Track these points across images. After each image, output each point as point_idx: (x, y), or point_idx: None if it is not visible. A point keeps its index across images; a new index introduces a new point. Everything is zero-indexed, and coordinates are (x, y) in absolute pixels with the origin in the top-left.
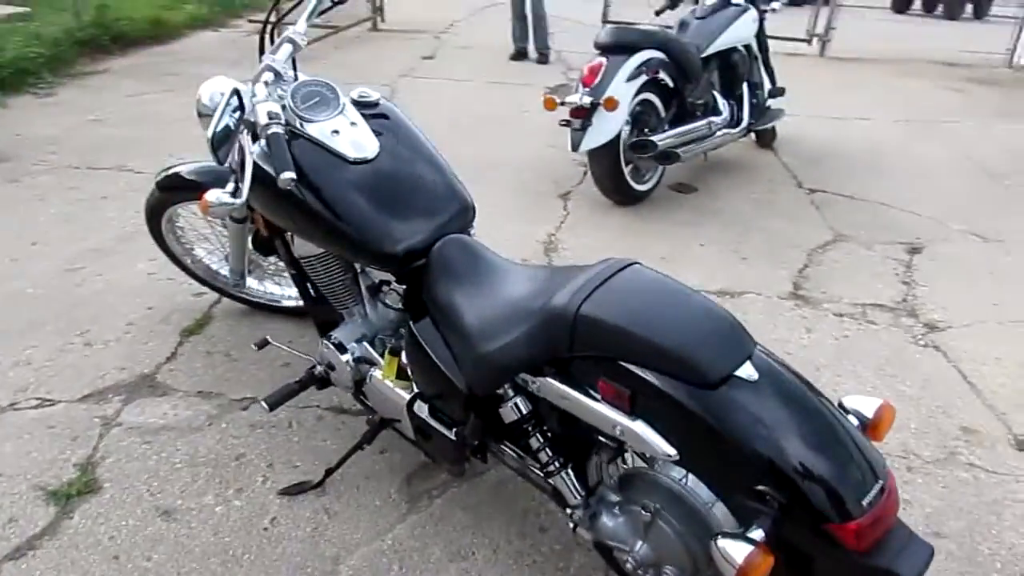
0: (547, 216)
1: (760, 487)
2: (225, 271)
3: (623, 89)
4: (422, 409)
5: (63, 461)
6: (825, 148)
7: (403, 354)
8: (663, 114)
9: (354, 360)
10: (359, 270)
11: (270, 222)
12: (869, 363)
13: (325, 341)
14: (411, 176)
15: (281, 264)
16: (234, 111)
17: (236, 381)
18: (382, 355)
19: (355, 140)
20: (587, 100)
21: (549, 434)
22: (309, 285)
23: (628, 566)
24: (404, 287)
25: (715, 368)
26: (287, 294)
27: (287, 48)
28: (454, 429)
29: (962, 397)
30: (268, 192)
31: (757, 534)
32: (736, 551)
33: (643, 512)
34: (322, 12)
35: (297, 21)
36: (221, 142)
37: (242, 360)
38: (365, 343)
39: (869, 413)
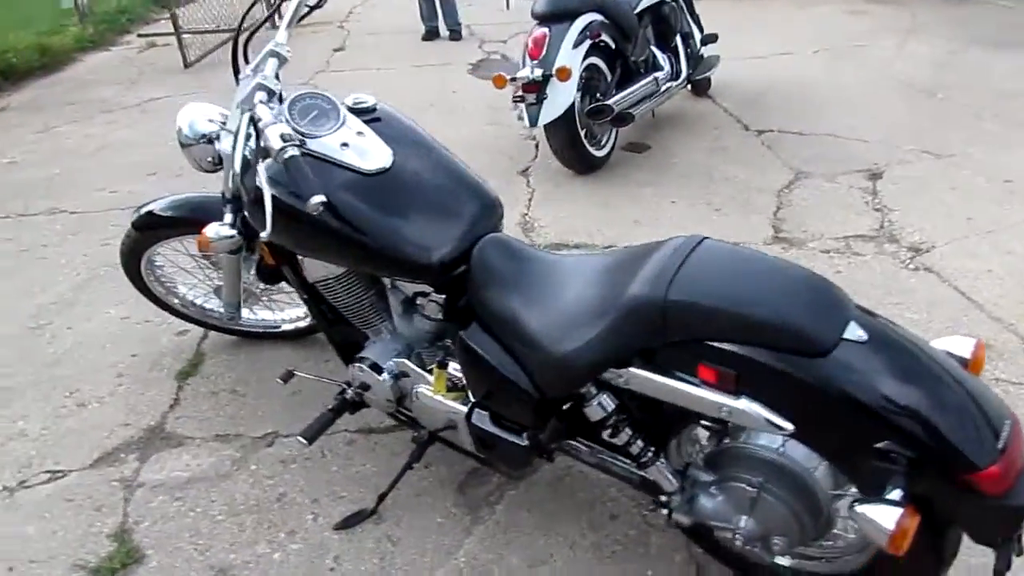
0: (514, 195)
1: (882, 446)
2: (214, 306)
3: (571, 57)
4: (483, 419)
5: (95, 535)
6: (757, 88)
7: (449, 366)
8: (609, 77)
9: (392, 378)
10: (389, 285)
11: (277, 249)
12: (871, 295)
13: (358, 364)
14: (432, 180)
15: (273, 288)
16: (217, 138)
17: (251, 418)
18: (425, 368)
19: (367, 151)
20: (538, 73)
21: (634, 425)
22: (326, 308)
23: (737, 542)
24: (444, 296)
25: (825, 335)
26: (285, 318)
27: (273, 62)
28: (524, 434)
29: (967, 314)
30: (283, 219)
31: (896, 495)
32: (885, 516)
33: (747, 488)
34: (301, 18)
35: (278, 31)
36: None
37: (249, 395)
38: (403, 358)
39: (967, 354)
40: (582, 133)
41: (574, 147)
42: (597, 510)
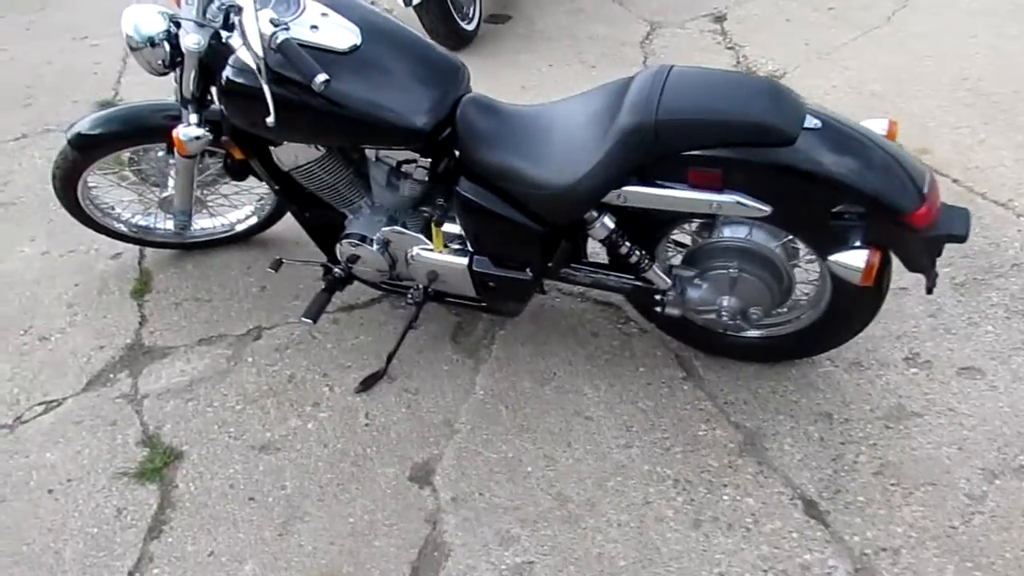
0: None
1: (838, 209)
2: (158, 223)
3: None
4: (485, 264)
5: (121, 446)
6: None
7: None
8: None
9: (382, 247)
10: (373, 158)
11: (246, 142)
12: None
13: (347, 240)
14: (402, 51)
15: (214, 193)
16: (167, 38)
17: (227, 319)
18: (418, 231)
19: (335, 31)
20: None
21: (630, 238)
22: (300, 196)
23: (723, 317)
24: (429, 160)
25: (791, 126)
26: (237, 218)
27: None
28: (527, 269)
29: None
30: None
31: (858, 242)
32: (855, 258)
33: (727, 272)
34: None
35: None
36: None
37: (214, 299)
38: (392, 227)
39: (883, 130)
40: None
41: (446, 21)
42: (579, 332)
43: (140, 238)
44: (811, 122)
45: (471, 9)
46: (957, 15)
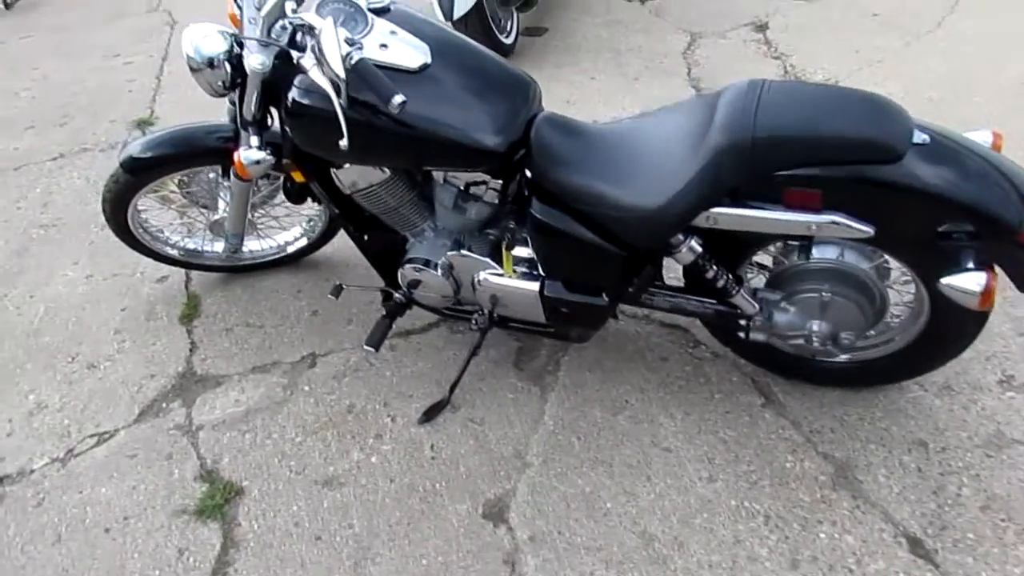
0: None
1: (944, 228)
2: (207, 246)
3: None
4: (557, 289)
5: (179, 480)
6: None
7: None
8: None
9: (446, 271)
10: (441, 180)
11: (307, 165)
12: None
13: (409, 264)
14: (473, 69)
15: (266, 215)
16: (227, 59)
17: (280, 345)
18: (486, 255)
19: (405, 49)
20: None
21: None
22: (360, 219)
23: (814, 343)
24: (500, 182)
25: (899, 142)
26: (287, 240)
27: None
28: (603, 294)
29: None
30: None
31: (971, 264)
32: (971, 281)
33: (818, 295)
34: None
35: None
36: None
37: (266, 325)
38: (457, 251)
39: (988, 142)
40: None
41: (487, 35)
42: (647, 357)
43: (190, 261)
44: (919, 137)
45: (509, 22)
46: (1009, 16)
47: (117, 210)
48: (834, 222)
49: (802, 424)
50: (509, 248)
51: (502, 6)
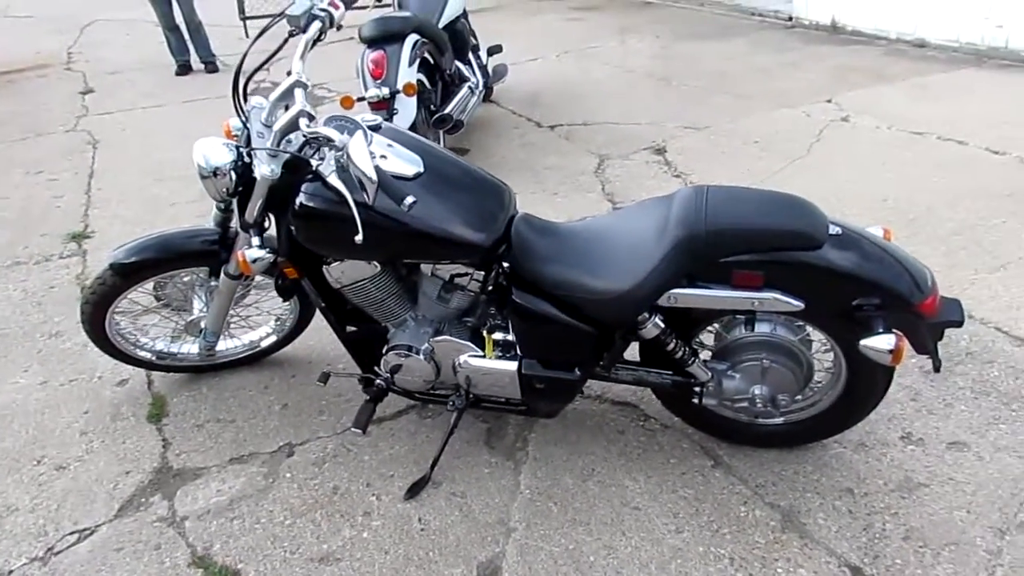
0: None
1: (857, 301)
2: (181, 348)
3: (411, 74)
4: (534, 367)
5: (171, 569)
6: (529, 90)
7: (493, 331)
8: (432, 90)
9: (428, 357)
10: (429, 273)
11: (301, 262)
12: None
13: (393, 351)
14: (458, 177)
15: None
16: (233, 168)
17: (255, 437)
18: (467, 339)
19: (401, 160)
20: (386, 91)
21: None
22: (343, 313)
23: (757, 405)
24: (483, 273)
25: (821, 232)
26: (259, 336)
27: (300, 92)
28: (576, 370)
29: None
30: (344, 226)
31: (881, 328)
32: (884, 342)
33: (761, 363)
34: (313, 45)
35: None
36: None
37: (237, 418)
38: (440, 337)
39: (880, 234)
40: None
41: None
42: (606, 431)
43: (162, 364)
44: (833, 229)
45: (438, 142)
46: (864, 146)
47: (97, 313)
48: (773, 298)
49: (748, 480)
50: (490, 332)
51: (433, 128)
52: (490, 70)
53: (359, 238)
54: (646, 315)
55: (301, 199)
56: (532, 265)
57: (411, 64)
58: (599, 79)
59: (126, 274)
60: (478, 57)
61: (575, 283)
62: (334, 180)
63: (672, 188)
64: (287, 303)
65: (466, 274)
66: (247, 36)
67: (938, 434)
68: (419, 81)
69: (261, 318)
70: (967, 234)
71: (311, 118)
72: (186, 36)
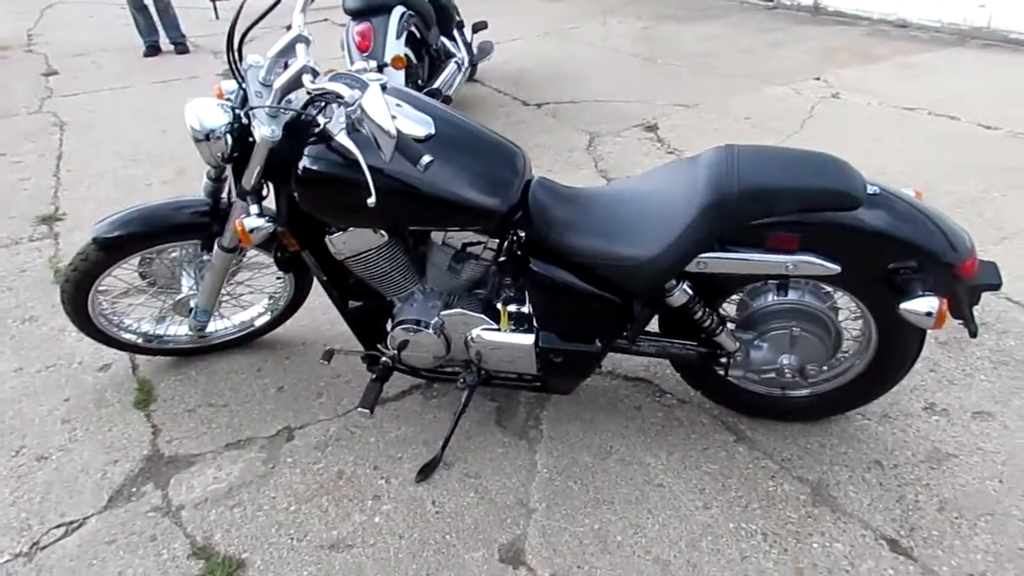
0: None
1: (893, 265)
2: (169, 330)
3: (399, 47)
4: (551, 340)
5: (170, 561)
6: (513, 70)
7: (510, 304)
8: (418, 65)
9: (438, 331)
10: (440, 242)
11: (303, 232)
12: None
13: (401, 326)
14: (471, 140)
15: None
16: (229, 131)
17: (251, 422)
18: (478, 312)
19: (411, 121)
20: (373, 64)
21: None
22: (346, 287)
23: (786, 375)
24: (497, 240)
25: (860, 191)
26: (253, 315)
27: (303, 47)
28: (596, 341)
29: None
30: (350, 191)
31: (921, 290)
32: (925, 305)
33: (790, 331)
34: None
35: (293, 18)
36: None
37: (230, 403)
38: (454, 310)
39: (914, 195)
40: None
41: None
42: (621, 408)
43: (151, 347)
44: (871, 188)
45: None
46: (857, 122)
47: (79, 292)
48: (808, 261)
49: (773, 454)
50: (505, 304)
51: None
52: (475, 47)
53: (372, 200)
54: (674, 282)
55: (305, 163)
56: (552, 232)
57: (398, 37)
58: (583, 59)
59: (111, 248)
60: (463, 33)
61: (598, 250)
62: (343, 139)
63: (652, 164)
64: (280, 280)
65: (479, 243)
66: (217, 17)
67: (962, 404)
68: (406, 55)
69: (252, 297)
70: (968, 207)
71: (316, 74)
72: (154, 16)
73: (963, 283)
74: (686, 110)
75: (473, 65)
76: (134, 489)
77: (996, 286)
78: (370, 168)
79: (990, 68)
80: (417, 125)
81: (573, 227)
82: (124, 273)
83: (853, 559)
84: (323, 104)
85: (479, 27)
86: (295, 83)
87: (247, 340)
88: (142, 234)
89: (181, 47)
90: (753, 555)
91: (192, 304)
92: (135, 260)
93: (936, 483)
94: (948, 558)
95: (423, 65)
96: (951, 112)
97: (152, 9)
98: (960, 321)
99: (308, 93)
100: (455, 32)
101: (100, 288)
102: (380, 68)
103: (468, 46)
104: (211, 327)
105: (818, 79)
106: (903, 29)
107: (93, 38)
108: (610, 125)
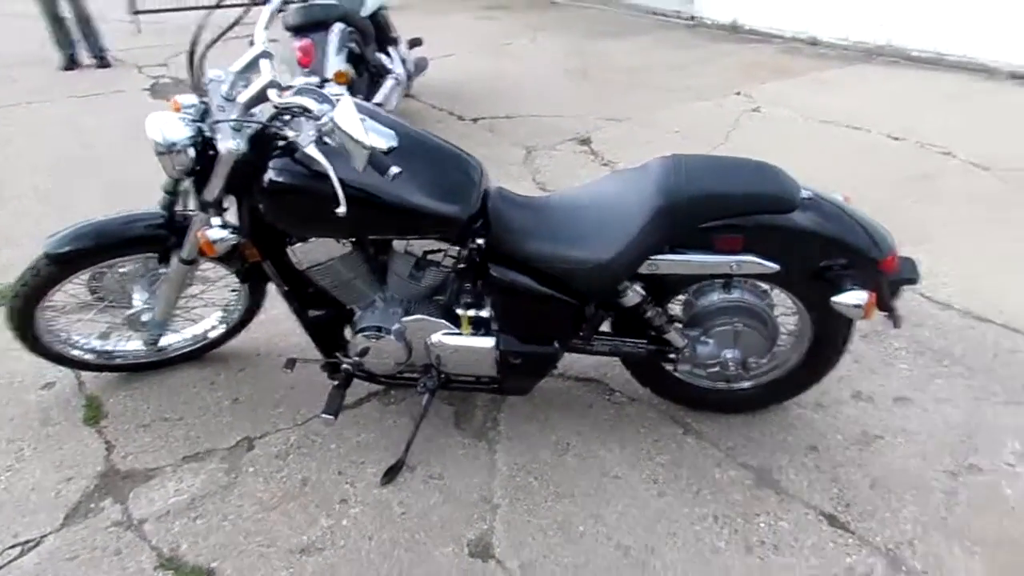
0: None
1: (825, 263)
2: (119, 346)
3: (340, 62)
4: (510, 343)
5: (137, 574)
6: (447, 86)
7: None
8: (360, 80)
9: (399, 338)
10: (402, 250)
11: (264, 244)
12: None
13: (362, 334)
14: (433, 150)
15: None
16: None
17: (208, 434)
18: (439, 318)
19: (376, 132)
20: (316, 80)
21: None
22: (306, 297)
23: (730, 368)
24: (457, 248)
25: (795, 195)
26: (207, 327)
27: (266, 62)
28: (554, 342)
29: None
30: (323, 202)
31: (851, 285)
32: (855, 298)
33: (733, 327)
34: (280, 11)
35: (255, 34)
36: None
37: (185, 416)
38: (414, 316)
39: (841, 198)
40: None
41: None
42: (574, 407)
43: (103, 363)
44: (804, 192)
45: None
46: (778, 134)
47: (27, 308)
48: (750, 261)
49: (719, 444)
50: (466, 309)
51: None
52: (411, 63)
53: (342, 210)
54: (627, 283)
55: (271, 175)
56: (510, 239)
57: (339, 52)
58: (516, 75)
59: (63, 263)
60: (398, 50)
61: (556, 255)
62: (313, 151)
63: (604, 174)
64: (234, 293)
65: (440, 250)
66: (139, 31)
67: (884, 391)
68: (347, 71)
69: (205, 310)
70: (886, 213)
71: (282, 88)
72: (72, 29)
73: (886, 277)
74: (617, 124)
75: (410, 80)
76: (91, 505)
77: (914, 280)
78: (340, 179)
79: (894, 83)
80: (381, 138)
81: (531, 234)
82: (73, 289)
83: (797, 535)
84: (288, 118)
85: (414, 43)
86: (260, 97)
87: (202, 352)
88: (96, 248)
89: (103, 61)
90: (707, 536)
91: (145, 318)
92: (85, 276)
93: (866, 463)
94: (881, 529)
95: (363, 81)
96: (863, 125)
97: (71, 21)
98: (885, 313)
99: (275, 107)
100: (391, 48)
101: (48, 304)
102: (322, 84)
103: (404, 62)
104: (165, 341)
105: (739, 94)
106: (814, 47)
107: (4, 51)
108: (545, 139)
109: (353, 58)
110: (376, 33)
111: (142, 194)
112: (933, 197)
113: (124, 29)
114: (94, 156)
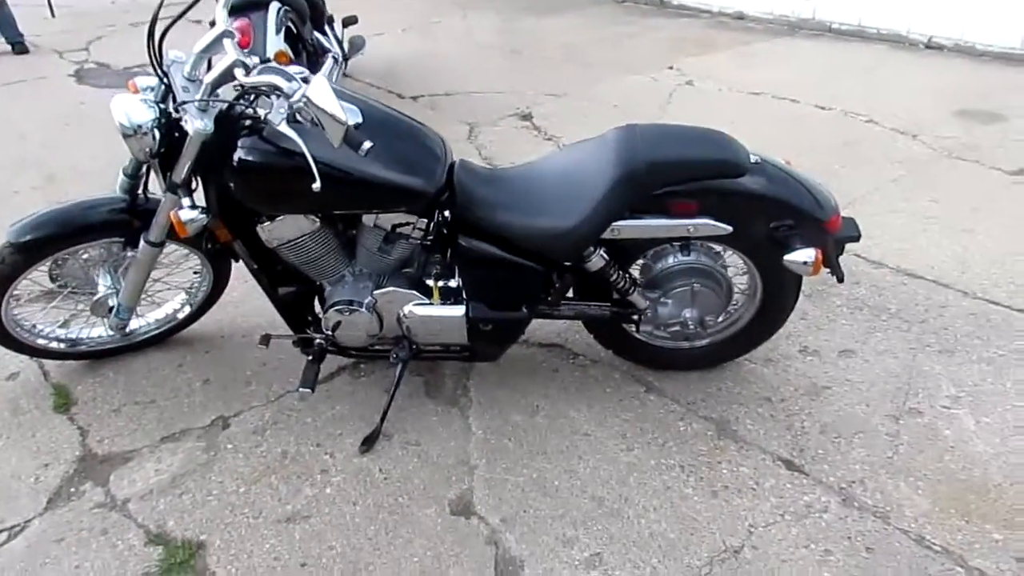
0: None
1: (774, 224)
2: (83, 333)
3: (278, 42)
4: (480, 310)
5: (127, 551)
6: (382, 64)
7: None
8: (299, 60)
9: (371, 310)
10: (371, 224)
11: (234, 222)
12: None
13: (335, 308)
14: (398, 126)
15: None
16: (158, 126)
17: (183, 414)
18: (409, 289)
19: (342, 107)
20: (256, 60)
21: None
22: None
23: (689, 327)
24: (425, 220)
25: (745, 160)
26: (173, 308)
27: (229, 42)
28: (523, 308)
29: None
30: (297, 176)
31: (800, 243)
32: (805, 255)
33: (691, 288)
34: None
35: (216, 13)
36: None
37: (157, 398)
38: (386, 288)
39: (783, 162)
40: None
41: None
42: (540, 372)
43: (69, 351)
44: (753, 158)
45: None
46: (711, 106)
47: None
48: (706, 223)
49: (680, 399)
50: (436, 280)
51: None
52: (346, 42)
53: (316, 185)
54: (592, 249)
55: (240, 154)
56: (477, 210)
57: (278, 32)
58: (450, 52)
59: (27, 251)
60: (333, 28)
61: (524, 224)
62: (285, 128)
63: (546, 150)
64: (196, 275)
65: (409, 223)
66: (53, 15)
67: (829, 345)
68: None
69: (167, 293)
70: (819, 179)
71: (248, 68)
72: None
73: (831, 236)
74: (556, 99)
75: (346, 60)
76: (72, 489)
77: (856, 238)
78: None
79: (819, 55)
80: (346, 114)
81: (498, 204)
82: (35, 277)
83: (757, 479)
84: (253, 97)
85: (348, 21)
86: (227, 77)
87: (169, 335)
88: (60, 235)
89: (20, 47)
90: (675, 484)
91: (111, 303)
92: (47, 264)
93: (816, 411)
94: (833, 470)
95: (301, 61)
96: (792, 95)
97: None
98: (829, 270)
99: (241, 86)
100: (326, 27)
101: (13, 294)
102: (263, 64)
103: (340, 41)
104: (132, 325)
105: (671, 68)
106: (740, 21)
107: None
108: (486, 115)
109: (290, 38)
110: (312, 12)
111: (89, 181)
112: (861, 162)
113: (36, 14)
114: (29, 146)
